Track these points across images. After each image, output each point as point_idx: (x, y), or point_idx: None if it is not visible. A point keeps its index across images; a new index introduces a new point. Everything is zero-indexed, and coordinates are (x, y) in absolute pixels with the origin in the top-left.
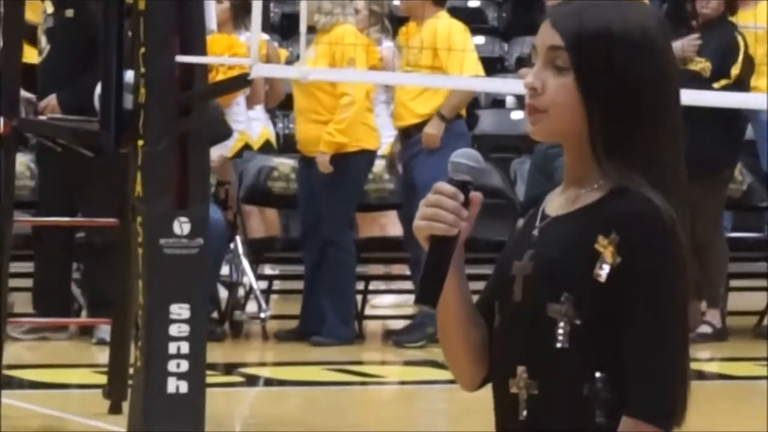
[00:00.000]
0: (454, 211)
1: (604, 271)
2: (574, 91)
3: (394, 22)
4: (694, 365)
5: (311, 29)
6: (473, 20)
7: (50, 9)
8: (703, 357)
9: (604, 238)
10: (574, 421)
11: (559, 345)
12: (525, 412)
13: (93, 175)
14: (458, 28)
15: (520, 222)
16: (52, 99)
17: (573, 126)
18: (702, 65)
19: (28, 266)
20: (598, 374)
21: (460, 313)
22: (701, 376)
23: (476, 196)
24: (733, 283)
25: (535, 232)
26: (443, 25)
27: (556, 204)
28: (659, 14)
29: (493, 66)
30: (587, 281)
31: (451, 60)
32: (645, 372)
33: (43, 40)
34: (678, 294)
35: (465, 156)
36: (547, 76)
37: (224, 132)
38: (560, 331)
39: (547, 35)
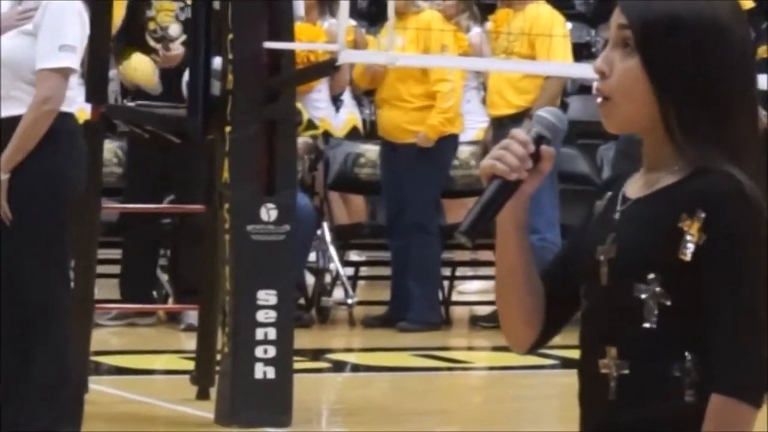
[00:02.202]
0: (520, 158)
1: (689, 250)
2: (639, 75)
3: (483, 9)
4: None
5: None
6: (560, 6)
7: None
8: None
9: (689, 217)
10: (663, 401)
11: (647, 325)
12: (614, 393)
13: (192, 162)
14: (558, 15)
15: (598, 204)
16: None
17: (642, 112)
18: None
19: (113, 253)
20: (687, 353)
21: (518, 270)
22: None
23: (547, 150)
24: None
25: (617, 216)
26: (545, 12)
27: (636, 187)
28: (733, 2)
29: (580, 52)
30: (673, 260)
31: (553, 48)
32: (732, 349)
33: (175, 29)
34: (765, 270)
35: (550, 113)
36: (615, 58)
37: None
38: (648, 311)
39: (617, 15)
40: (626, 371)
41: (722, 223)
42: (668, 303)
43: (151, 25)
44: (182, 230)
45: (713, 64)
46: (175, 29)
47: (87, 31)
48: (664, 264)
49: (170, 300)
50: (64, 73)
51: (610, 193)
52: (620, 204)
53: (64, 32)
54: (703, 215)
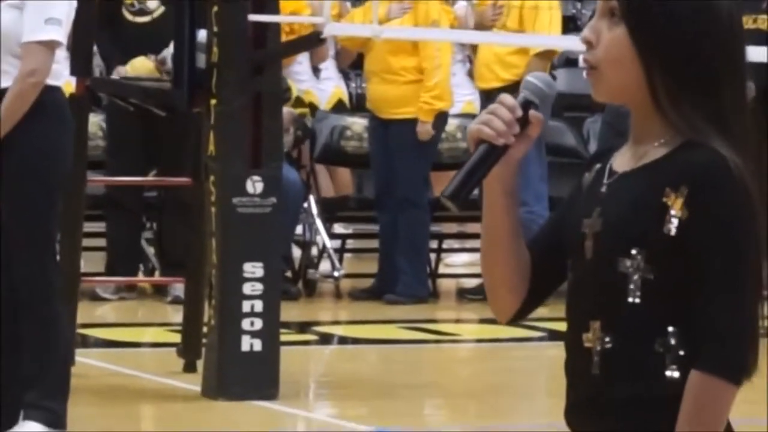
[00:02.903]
0: (507, 123)
1: (673, 225)
2: (626, 44)
3: None
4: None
5: None
6: None
7: None
8: None
9: (672, 192)
10: (646, 376)
11: (631, 300)
12: (598, 367)
13: (175, 134)
14: None
15: (586, 176)
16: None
17: (629, 81)
18: None
19: (98, 226)
20: (670, 329)
21: (504, 237)
22: None
23: (535, 116)
24: None
25: (603, 189)
26: None
27: (623, 160)
28: None
29: (566, 25)
30: (657, 236)
31: (543, 22)
32: (715, 326)
33: (153, 2)
34: (748, 246)
35: (538, 78)
36: (602, 27)
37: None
38: (632, 286)
39: None
40: (609, 345)
41: (705, 199)
42: (652, 278)
43: (128, 1)
44: (166, 203)
45: (700, 33)
46: (153, 2)
47: (74, 4)
48: (649, 239)
49: (156, 273)
50: (50, 45)
51: (598, 166)
52: (607, 177)
53: (51, 5)
54: (686, 191)
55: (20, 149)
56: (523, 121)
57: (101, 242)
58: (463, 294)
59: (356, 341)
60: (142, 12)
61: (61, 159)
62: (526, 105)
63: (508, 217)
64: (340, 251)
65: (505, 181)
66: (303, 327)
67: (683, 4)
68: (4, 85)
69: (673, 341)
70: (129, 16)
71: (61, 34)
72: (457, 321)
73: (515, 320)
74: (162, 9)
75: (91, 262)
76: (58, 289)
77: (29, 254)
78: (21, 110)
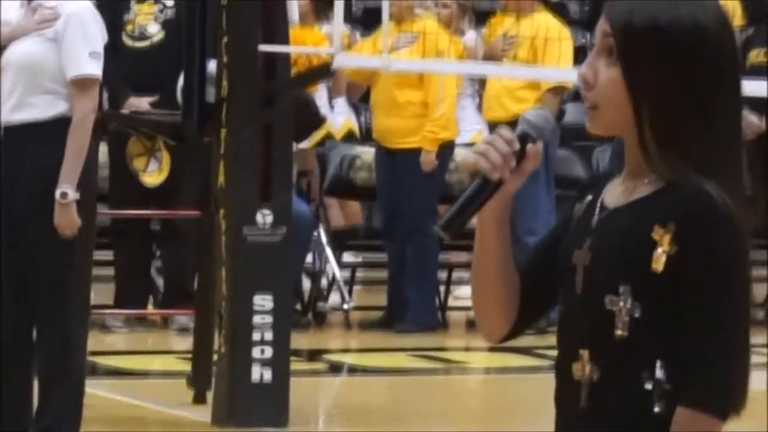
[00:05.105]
0: (504, 155)
1: (661, 261)
2: (622, 84)
3: (480, 15)
4: None
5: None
6: (556, 12)
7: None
8: None
9: (661, 228)
10: (632, 409)
11: (619, 334)
12: (585, 400)
13: (179, 166)
14: (564, 27)
15: (578, 207)
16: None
17: (623, 121)
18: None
19: (107, 254)
20: (658, 363)
21: (495, 265)
22: None
23: (532, 150)
24: None
25: (594, 223)
26: (554, 22)
27: (614, 195)
28: (718, 8)
29: (575, 56)
30: (645, 271)
31: (548, 54)
32: (701, 362)
33: (153, 27)
34: (737, 282)
35: (535, 114)
36: (599, 65)
37: (315, 122)
38: (620, 322)
39: (602, 22)
40: (597, 379)
41: (692, 234)
42: (639, 314)
43: (129, 28)
44: (162, 234)
45: (694, 76)
46: (153, 27)
47: (105, 36)
48: (638, 275)
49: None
50: (96, 80)
51: (590, 198)
52: (598, 212)
53: (91, 39)
54: (673, 226)
55: (42, 182)
56: (520, 155)
57: (109, 271)
58: (472, 325)
59: (366, 370)
60: (143, 37)
61: (83, 188)
62: (524, 138)
63: (498, 243)
64: (350, 282)
65: (497, 211)
66: (313, 355)
67: (679, 46)
68: (31, 117)
69: (661, 376)
70: (129, 42)
71: (100, 68)
72: (467, 349)
73: (504, 341)
74: (162, 34)
75: (99, 293)
76: (77, 320)
77: (51, 290)
78: (87, 146)
